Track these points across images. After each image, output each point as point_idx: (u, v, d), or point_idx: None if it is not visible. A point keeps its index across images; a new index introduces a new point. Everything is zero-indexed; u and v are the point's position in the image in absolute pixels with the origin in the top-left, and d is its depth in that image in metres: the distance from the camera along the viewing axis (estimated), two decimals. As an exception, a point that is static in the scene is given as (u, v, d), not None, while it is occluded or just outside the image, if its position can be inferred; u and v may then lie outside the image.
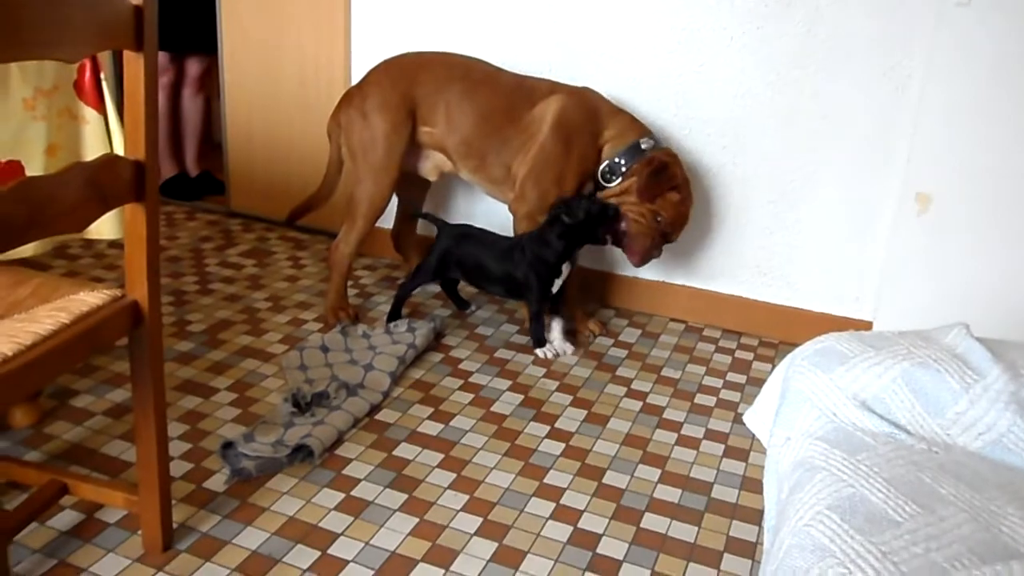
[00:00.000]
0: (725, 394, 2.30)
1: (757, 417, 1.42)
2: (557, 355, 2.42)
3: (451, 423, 2.04)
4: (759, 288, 2.68)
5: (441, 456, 1.91)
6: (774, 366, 2.17)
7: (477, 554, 1.61)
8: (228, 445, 1.82)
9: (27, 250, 1.79)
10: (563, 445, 1.99)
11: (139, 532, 1.56)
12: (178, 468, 1.78)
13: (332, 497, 1.74)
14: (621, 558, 1.63)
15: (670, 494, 1.84)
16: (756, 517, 1.78)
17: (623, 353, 2.50)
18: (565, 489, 1.83)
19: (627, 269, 2.78)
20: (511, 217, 2.46)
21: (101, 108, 1.84)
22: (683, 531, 1.72)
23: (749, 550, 1.68)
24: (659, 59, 2.57)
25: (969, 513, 0.95)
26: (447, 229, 2.46)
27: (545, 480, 1.85)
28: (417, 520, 1.69)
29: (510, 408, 2.13)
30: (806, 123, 2.48)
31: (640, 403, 2.22)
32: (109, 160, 1.27)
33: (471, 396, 2.17)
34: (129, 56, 1.27)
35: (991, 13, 2.13)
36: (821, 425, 1.17)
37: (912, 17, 2.29)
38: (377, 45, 2.86)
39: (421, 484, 1.80)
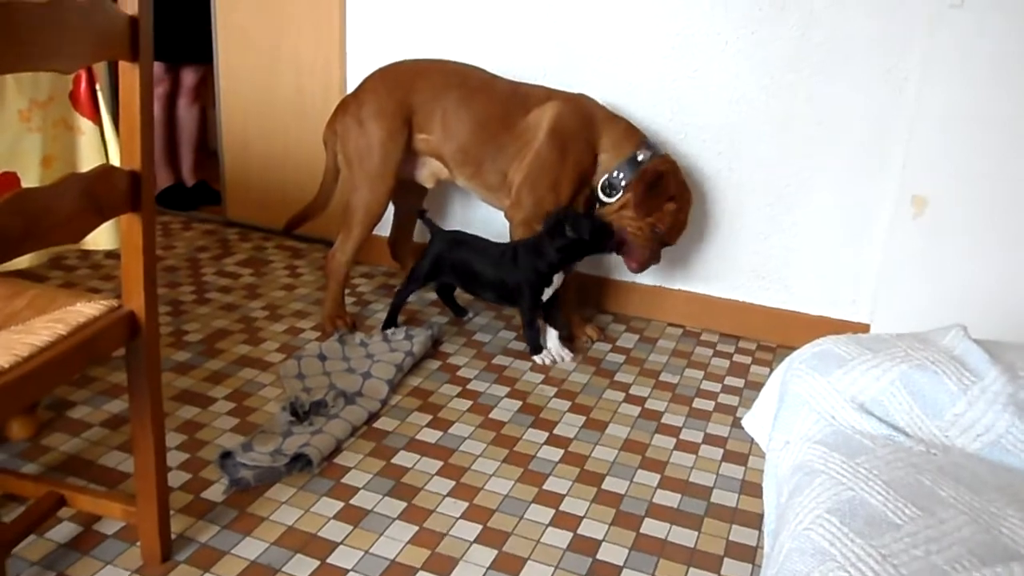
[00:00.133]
0: (723, 398, 2.30)
1: (756, 421, 1.42)
2: (555, 361, 2.42)
3: (449, 430, 2.04)
4: (756, 292, 2.69)
5: (440, 463, 1.91)
6: (772, 370, 2.17)
7: (477, 561, 1.60)
8: (226, 455, 1.82)
9: (23, 261, 1.78)
10: (562, 451, 1.99)
11: (137, 543, 1.55)
12: (176, 478, 1.78)
13: (331, 506, 1.73)
14: (621, 564, 1.63)
15: (669, 499, 1.84)
16: (756, 521, 1.77)
17: (621, 358, 2.50)
18: (564, 495, 1.83)
19: (624, 275, 2.78)
20: (507, 224, 2.47)
21: (97, 119, 1.84)
22: (683, 536, 1.72)
23: (749, 554, 1.68)
24: (654, 65, 2.58)
25: (969, 515, 0.95)
26: (440, 234, 2.46)
27: (544, 486, 1.85)
28: (416, 528, 1.69)
29: (508, 414, 2.13)
30: (801, 127, 2.49)
31: (639, 408, 2.22)
32: (105, 171, 1.27)
33: (469, 403, 2.17)
34: (125, 66, 1.27)
35: (986, 15, 2.14)
36: (820, 428, 1.17)
37: (907, 20, 2.30)
38: (373, 53, 2.86)
39: (420, 492, 1.80)
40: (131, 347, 1.39)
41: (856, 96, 2.41)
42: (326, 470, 1.85)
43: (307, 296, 2.75)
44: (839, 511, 0.96)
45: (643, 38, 2.57)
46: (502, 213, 2.50)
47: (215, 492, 1.75)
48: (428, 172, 2.55)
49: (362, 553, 1.60)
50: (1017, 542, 0.91)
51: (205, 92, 3.48)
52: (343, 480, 1.82)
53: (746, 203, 2.61)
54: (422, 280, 2.49)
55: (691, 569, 1.63)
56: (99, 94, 1.84)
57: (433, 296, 2.71)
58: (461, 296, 2.67)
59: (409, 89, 2.44)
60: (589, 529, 1.72)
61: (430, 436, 2.01)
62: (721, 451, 2.04)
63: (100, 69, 1.89)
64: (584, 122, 2.40)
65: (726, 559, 1.66)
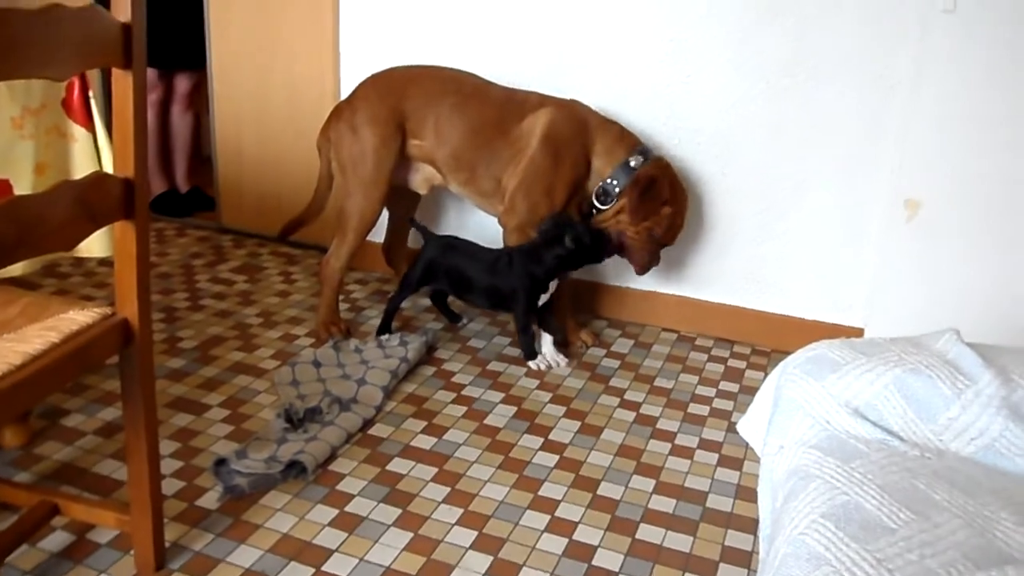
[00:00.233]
0: (718, 403, 2.30)
1: (750, 426, 1.42)
2: (550, 367, 2.42)
3: (444, 437, 2.04)
4: (751, 297, 2.69)
5: (435, 470, 1.90)
6: (767, 374, 2.17)
7: (472, 568, 1.60)
8: (221, 462, 1.81)
9: (16, 269, 1.78)
10: (557, 457, 1.99)
11: (131, 552, 1.54)
12: (170, 486, 1.77)
13: (326, 513, 1.73)
14: (617, 570, 1.63)
15: (665, 504, 1.84)
16: (751, 526, 1.78)
17: (616, 364, 2.50)
18: (560, 501, 1.82)
19: (618, 280, 2.79)
20: (501, 230, 2.47)
21: (90, 126, 1.83)
22: (678, 541, 1.72)
23: (745, 559, 1.68)
24: (647, 70, 2.58)
25: (963, 519, 0.95)
26: (433, 240, 2.47)
27: (540, 492, 1.85)
28: (411, 535, 1.68)
29: (503, 420, 2.13)
30: (795, 132, 2.50)
31: (634, 413, 2.22)
32: (98, 178, 1.27)
33: (464, 409, 2.17)
34: (118, 73, 1.27)
35: (977, 20, 2.15)
36: (814, 433, 1.17)
37: (899, 25, 2.31)
38: (366, 59, 2.86)
39: (415, 499, 1.80)
40: (124, 354, 1.38)
41: (849, 100, 2.42)
42: (321, 477, 1.84)
43: (302, 302, 2.75)
44: (834, 515, 0.96)
45: (636, 44, 2.58)
46: (495, 219, 2.50)
47: (209, 500, 1.74)
48: (422, 178, 2.56)
49: (357, 560, 1.60)
50: (1011, 545, 0.92)
51: (199, 98, 3.47)
52: (338, 487, 1.81)
53: (740, 208, 2.62)
54: (414, 286, 2.49)
55: (687, 574, 1.63)
56: (92, 101, 1.83)
57: (428, 302, 2.71)
58: (455, 303, 2.67)
59: (402, 95, 2.44)
60: (584, 535, 1.72)
61: (425, 442, 2.01)
62: (716, 456, 2.04)
63: (93, 76, 1.89)
64: (578, 128, 2.40)
65: (722, 564, 1.66)
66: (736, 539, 1.74)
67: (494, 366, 2.41)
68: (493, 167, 2.42)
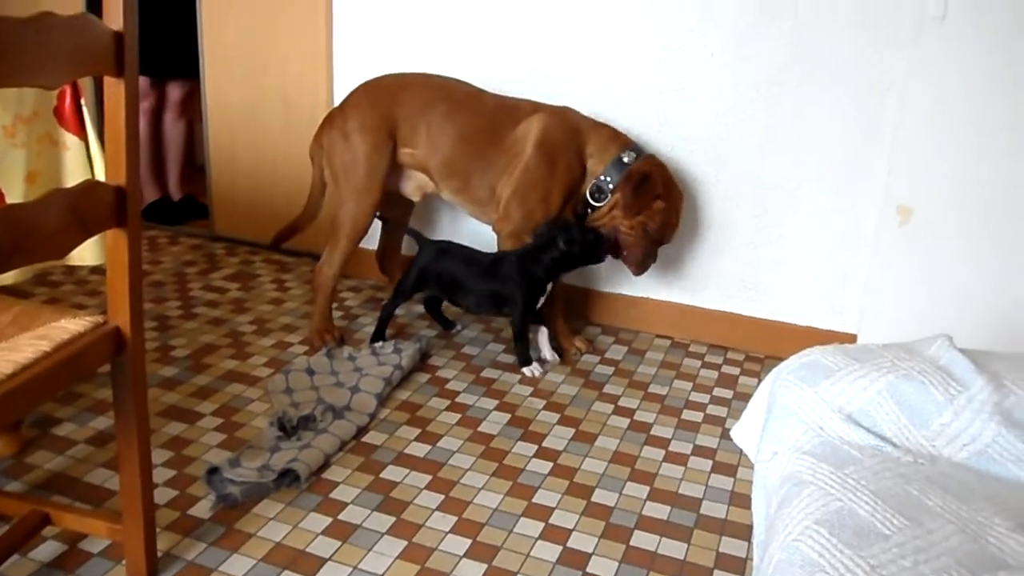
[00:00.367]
0: (712, 409, 2.30)
1: (744, 432, 1.42)
2: (544, 372, 2.42)
3: (438, 444, 2.03)
4: (744, 303, 2.69)
5: (429, 478, 1.90)
6: (760, 381, 2.18)
7: (467, 576, 1.60)
8: (213, 471, 1.81)
9: (8, 278, 1.77)
10: (551, 464, 1.99)
11: (123, 562, 1.53)
12: (163, 495, 1.76)
13: (319, 522, 1.72)
14: (611, 577, 1.62)
15: (659, 511, 1.84)
16: (745, 533, 1.77)
17: (610, 370, 2.50)
18: (554, 508, 1.82)
19: (612, 286, 2.79)
20: (495, 236, 2.47)
21: (82, 134, 1.83)
22: (673, 548, 1.72)
23: (739, 566, 1.68)
24: (640, 78, 2.59)
25: (956, 525, 0.95)
26: (427, 245, 2.46)
27: (534, 499, 1.85)
28: (405, 543, 1.68)
29: (497, 427, 2.13)
30: (788, 138, 2.50)
31: (627, 420, 2.21)
32: (90, 186, 1.27)
33: (458, 416, 2.16)
34: (110, 81, 1.27)
35: (968, 27, 2.16)
36: (808, 439, 1.17)
37: (891, 32, 2.32)
38: (359, 67, 2.86)
39: (409, 506, 1.79)
40: (116, 363, 1.38)
41: (841, 107, 2.42)
42: (314, 485, 1.84)
43: (295, 310, 2.74)
44: (828, 522, 0.96)
45: (629, 52, 2.58)
46: (489, 226, 2.50)
47: (202, 509, 1.73)
48: (414, 185, 2.56)
49: (351, 569, 1.59)
50: (1004, 551, 0.92)
51: (191, 106, 3.47)
52: (331, 495, 1.81)
53: (733, 214, 2.63)
54: (408, 293, 2.49)
55: (681, 581, 1.63)
56: (84, 109, 1.83)
57: (422, 309, 2.71)
58: (449, 309, 2.67)
59: (393, 103, 2.44)
60: (579, 542, 1.72)
61: (419, 450, 2.00)
62: (710, 462, 2.04)
63: (85, 84, 1.89)
64: (571, 132, 2.41)
65: (716, 571, 1.66)
66: (730, 546, 1.73)
67: (488, 373, 2.41)
68: (488, 175, 2.42)
